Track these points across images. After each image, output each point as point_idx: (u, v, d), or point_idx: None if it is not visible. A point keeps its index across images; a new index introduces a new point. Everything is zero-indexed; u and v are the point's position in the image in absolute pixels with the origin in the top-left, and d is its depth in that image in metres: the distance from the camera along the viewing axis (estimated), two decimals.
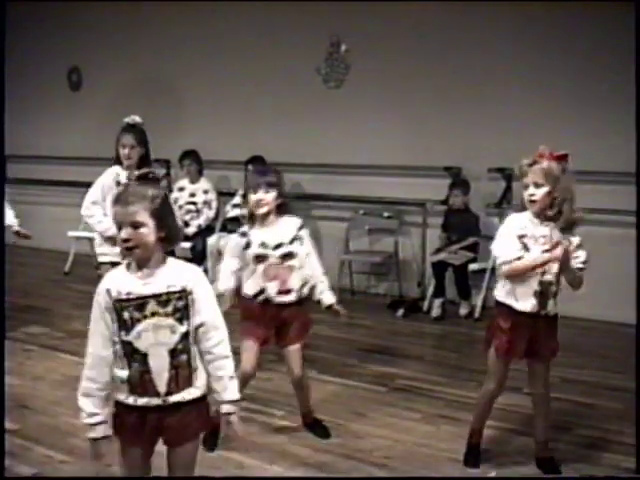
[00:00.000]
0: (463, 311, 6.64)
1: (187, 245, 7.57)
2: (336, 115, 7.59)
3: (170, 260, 2.59)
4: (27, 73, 9.63)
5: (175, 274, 2.55)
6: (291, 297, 3.88)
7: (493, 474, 3.59)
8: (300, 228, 3.92)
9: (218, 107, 8.28)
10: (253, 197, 3.82)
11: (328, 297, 4.04)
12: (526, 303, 3.41)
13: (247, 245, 3.81)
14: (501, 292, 3.51)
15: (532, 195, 3.35)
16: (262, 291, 3.82)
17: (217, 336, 2.60)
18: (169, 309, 2.52)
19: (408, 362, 5.37)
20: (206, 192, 7.81)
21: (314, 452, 3.88)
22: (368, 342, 5.91)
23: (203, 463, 3.69)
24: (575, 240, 3.40)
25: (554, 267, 3.35)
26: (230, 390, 2.65)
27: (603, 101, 6.22)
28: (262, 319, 3.85)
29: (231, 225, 7.51)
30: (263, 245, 3.80)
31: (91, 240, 8.31)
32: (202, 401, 2.66)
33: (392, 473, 3.68)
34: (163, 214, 2.53)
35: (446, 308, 6.68)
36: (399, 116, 7.25)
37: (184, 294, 2.54)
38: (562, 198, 3.35)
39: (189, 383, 2.58)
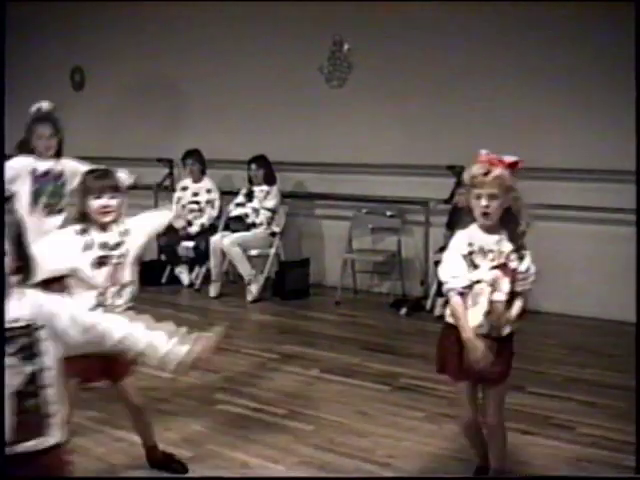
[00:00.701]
0: None
1: (190, 245, 7.60)
2: (339, 114, 7.60)
3: (23, 291, 2.24)
4: (30, 73, 9.63)
5: (23, 307, 2.20)
6: (124, 299, 3.45)
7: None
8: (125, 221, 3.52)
9: (221, 106, 8.29)
10: (95, 203, 3.35)
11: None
12: (475, 324, 3.15)
13: (87, 247, 3.34)
14: (447, 312, 3.30)
15: (486, 207, 3.09)
16: (99, 304, 3.33)
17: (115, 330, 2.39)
18: (12, 348, 2.16)
19: (411, 361, 5.38)
20: (209, 191, 7.83)
21: (317, 451, 3.89)
22: (371, 341, 5.92)
23: (209, 462, 3.73)
24: (526, 257, 3.18)
25: (505, 285, 3.13)
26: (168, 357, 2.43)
27: (603, 100, 6.23)
28: None
29: (234, 224, 7.54)
30: (104, 246, 3.37)
31: None
32: (57, 449, 2.29)
33: (395, 472, 3.69)
34: (21, 241, 2.22)
35: None
36: (402, 115, 7.26)
37: (30, 330, 2.20)
38: (516, 209, 3.16)
39: (39, 432, 2.22)
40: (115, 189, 3.41)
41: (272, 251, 7.53)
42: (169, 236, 7.81)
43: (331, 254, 7.72)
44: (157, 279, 7.88)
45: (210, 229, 7.69)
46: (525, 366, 5.26)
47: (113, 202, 3.39)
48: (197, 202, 7.82)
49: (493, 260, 3.14)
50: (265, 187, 7.50)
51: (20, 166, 4.81)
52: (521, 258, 3.17)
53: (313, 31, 7.65)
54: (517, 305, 3.21)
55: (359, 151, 7.45)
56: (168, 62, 8.68)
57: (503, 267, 3.14)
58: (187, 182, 7.95)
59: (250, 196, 7.55)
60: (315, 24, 7.62)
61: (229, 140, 8.05)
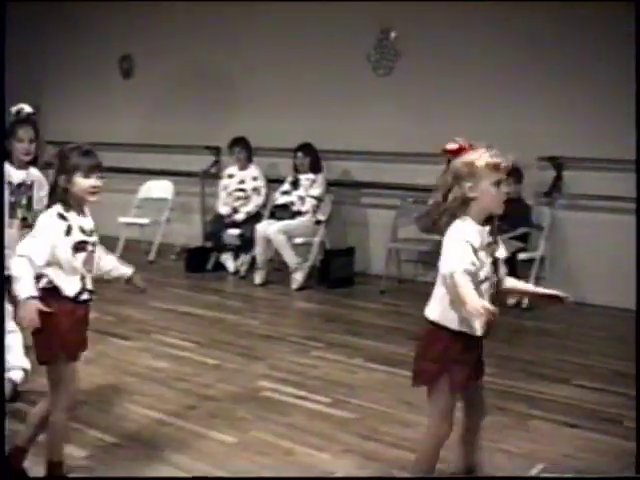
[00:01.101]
0: (511, 300, 6.56)
1: (236, 232, 7.64)
2: (386, 102, 7.57)
3: None
4: (79, 60, 9.75)
5: None
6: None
7: (538, 468, 3.55)
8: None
9: (268, 94, 8.30)
10: (85, 182, 3.14)
11: (125, 269, 3.49)
12: (479, 325, 2.97)
13: (68, 230, 3.14)
14: (453, 318, 2.97)
15: (509, 194, 2.96)
16: (84, 288, 3.21)
17: None
18: None
19: None
20: (255, 179, 7.87)
21: (362, 440, 3.88)
22: (416, 331, 5.85)
23: (253, 449, 3.75)
24: (499, 242, 3.06)
25: (494, 278, 3.00)
26: None
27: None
28: (81, 325, 3.25)
29: (279, 212, 7.56)
30: (82, 230, 3.19)
31: (141, 226, 8.46)
32: None
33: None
34: None
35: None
36: (448, 103, 7.20)
37: None
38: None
39: None
40: (100, 169, 3.22)
41: (317, 239, 7.54)
42: (215, 223, 7.89)
43: (376, 243, 7.70)
44: (202, 266, 7.94)
45: (256, 217, 7.72)
46: (572, 359, 5.22)
47: (100, 183, 3.20)
48: (243, 190, 7.86)
49: (489, 255, 2.97)
50: (311, 175, 7.51)
51: None
52: (497, 244, 3.04)
53: (360, 19, 7.63)
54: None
55: (405, 139, 7.40)
56: (216, 51, 8.71)
57: (494, 260, 3.01)
58: (233, 170, 7.99)
59: (296, 184, 7.56)
60: (362, 12, 7.59)
61: (275, 128, 8.05)
